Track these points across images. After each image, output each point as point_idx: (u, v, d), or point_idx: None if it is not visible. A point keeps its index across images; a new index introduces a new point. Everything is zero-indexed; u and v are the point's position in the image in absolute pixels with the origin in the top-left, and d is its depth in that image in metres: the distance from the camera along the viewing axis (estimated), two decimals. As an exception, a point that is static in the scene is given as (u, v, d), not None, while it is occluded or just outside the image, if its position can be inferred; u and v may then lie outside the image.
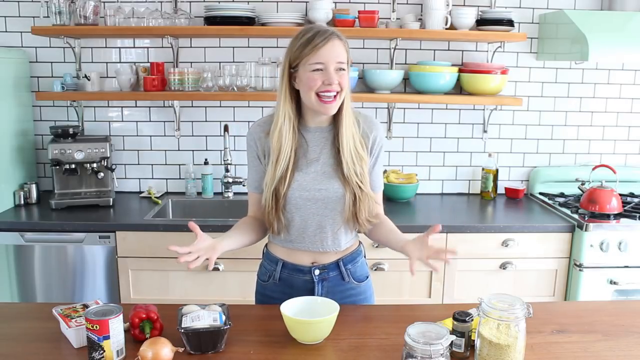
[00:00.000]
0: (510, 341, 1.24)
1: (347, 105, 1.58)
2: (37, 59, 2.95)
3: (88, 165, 2.78)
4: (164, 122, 3.04)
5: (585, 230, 2.50)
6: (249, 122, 3.02)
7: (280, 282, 1.69)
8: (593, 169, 2.83)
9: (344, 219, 1.62)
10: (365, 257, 1.79)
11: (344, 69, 1.52)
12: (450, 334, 1.21)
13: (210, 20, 2.72)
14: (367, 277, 1.77)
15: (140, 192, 3.07)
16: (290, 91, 1.57)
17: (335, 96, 1.52)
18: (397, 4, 2.92)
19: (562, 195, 3.04)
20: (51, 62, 2.96)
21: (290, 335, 1.42)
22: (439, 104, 3.01)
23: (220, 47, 2.97)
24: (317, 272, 1.66)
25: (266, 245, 1.78)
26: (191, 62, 2.97)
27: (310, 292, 1.64)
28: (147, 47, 2.97)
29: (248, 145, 1.68)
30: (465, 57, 3.02)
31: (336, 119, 1.60)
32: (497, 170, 3.03)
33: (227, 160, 2.93)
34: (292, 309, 1.43)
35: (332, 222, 1.63)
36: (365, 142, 1.64)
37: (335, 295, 1.53)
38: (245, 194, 3.06)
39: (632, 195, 3.01)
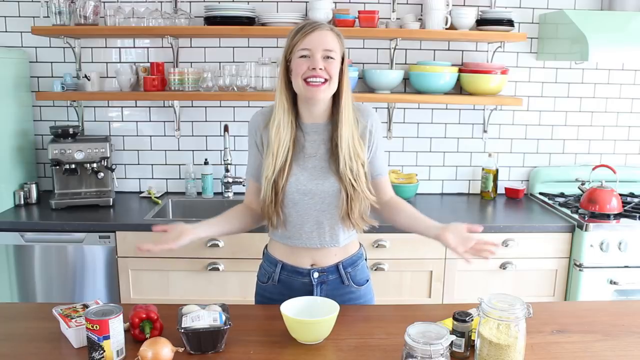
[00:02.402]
0: (511, 341, 1.24)
1: (347, 102, 1.58)
2: (37, 59, 2.95)
3: (88, 165, 2.78)
4: (164, 122, 3.04)
5: (585, 230, 2.50)
6: (248, 122, 3.01)
7: (280, 283, 1.69)
8: (593, 169, 2.83)
9: (340, 216, 1.62)
10: (366, 260, 1.78)
11: (332, 57, 1.53)
12: (450, 334, 1.21)
13: (210, 20, 2.72)
14: (368, 280, 1.76)
15: (140, 192, 3.07)
16: (286, 83, 1.58)
17: (323, 83, 1.53)
18: (397, 4, 2.92)
19: (562, 195, 3.04)
20: (51, 62, 2.96)
21: (290, 335, 1.42)
22: (439, 104, 3.01)
23: (220, 47, 2.97)
24: (315, 274, 1.66)
25: (266, 247, 1.77)
26: (191, 62, 2.97)
27: (309, 295, 1.62)
28: (147, 47, 2.97)
29: (249, 132, 1.70)
30: (465, 57, 3.02)
31: (334, 115, 1.60)
32: (497, 170, 3.03)
33: (227, 160, 2.93)
34: (292, 309, 1.43)
35: (330, 218, 1.62)
36: (363, 135, 1.63)
37: (334, 299, 1.53)
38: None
39: (632, 195, 3.01)
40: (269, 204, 1.60)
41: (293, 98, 1.60)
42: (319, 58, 1.51)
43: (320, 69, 1.51)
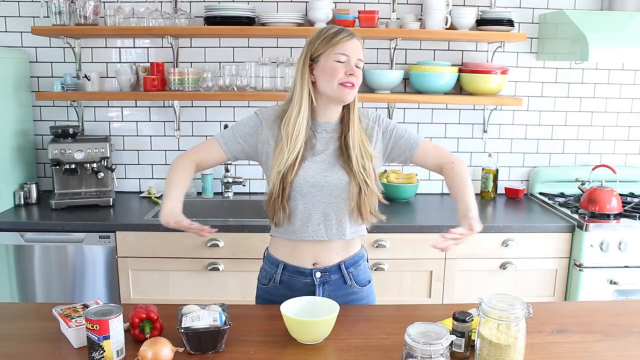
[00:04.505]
0: (511, 341, 1.24)
1: (356, 104, 1.66)
2: (37, 59, 2.95)
3: (88, 165, 2.78)
4: (164, 122, 3.04)
5: (585, 230, 2.50)
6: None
7: (281, 284, 1.69)
8: (593, 169, 2.83)
9: (349, 209, 1.63)
10: (367, 261, 1.79)
11: (359, 67, 1.61)
12: (450, 334, 1.21)
13: (210, 20, 2.72)
14: (370, 281, 1.76)
15: (140, 192, 3.07)
16: (308, 82, 1.62)
17: (352, 87, 1.59)
18: (397, 4, 2.92)
19: (562, 195, 3.04)
20: (51, 62, 2.96)
21: (290, 335, 1.42)
22: (439, 104, 3.01)
23: (220, 47, 2.97)
24: (318, 274, 1.66)
25: (267, 248, 1.77)
26: (191, 62, 2.97)
27: (312, 296, 1.62)
28: (147, 47, 2.97)
29: (254, 116, 1.71)
30: (465, 57, 3.02)
31: (345, 115, 1.66)
32: (497, 170, 3.03)
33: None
34: (292, 309, 1.43)
35: (337, 210, 1.63)
36: (369, 134, 1.68)
37: (337, 300, 1.53)
38: (246, 193, 3.09)
39: (632, 195, 3.01)
40: (275, 198, 1.61)
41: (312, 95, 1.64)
42: (353, 65, 1.59)
43: (353, 74, 1.58)
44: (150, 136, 3.06)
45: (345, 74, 1.57)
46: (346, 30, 1.61)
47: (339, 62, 1.58)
